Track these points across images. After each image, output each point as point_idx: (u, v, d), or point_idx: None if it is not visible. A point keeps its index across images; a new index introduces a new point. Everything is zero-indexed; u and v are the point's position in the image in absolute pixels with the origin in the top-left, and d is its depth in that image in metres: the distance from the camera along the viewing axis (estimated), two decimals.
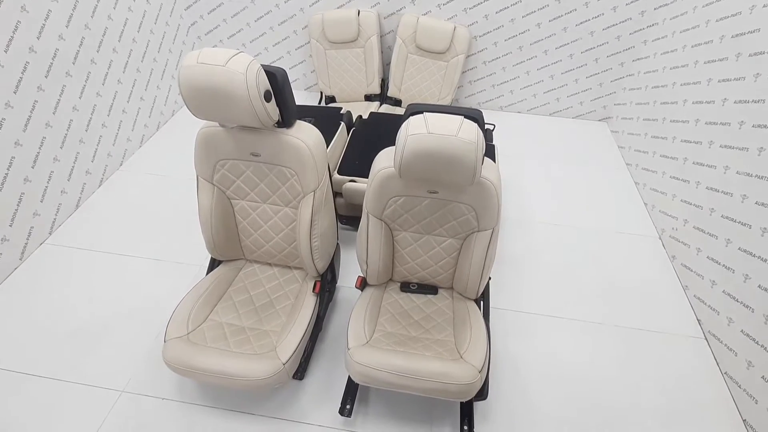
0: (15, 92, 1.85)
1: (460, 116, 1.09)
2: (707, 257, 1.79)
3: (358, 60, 2.79)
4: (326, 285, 1.65)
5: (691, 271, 1.89)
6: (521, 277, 1.99)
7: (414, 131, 1.07)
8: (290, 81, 3.19)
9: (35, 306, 1.79)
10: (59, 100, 2.08)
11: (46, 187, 2.07)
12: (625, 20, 2.52)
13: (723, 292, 1.67)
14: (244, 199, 1.51)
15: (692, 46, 2.09)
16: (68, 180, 2.20)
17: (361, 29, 2.69)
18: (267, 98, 1.14)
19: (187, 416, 1.48)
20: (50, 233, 2.13)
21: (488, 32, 2.71)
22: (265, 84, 1.13)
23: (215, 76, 1.06)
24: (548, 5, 2.53)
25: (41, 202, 2.05)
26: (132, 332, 1.71)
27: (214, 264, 1.66)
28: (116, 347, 1.66)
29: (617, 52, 2.67)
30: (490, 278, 1.62)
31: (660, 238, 2.19)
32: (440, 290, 1.61)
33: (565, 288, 1.95)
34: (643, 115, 2.51)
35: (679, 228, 2.03)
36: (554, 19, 2.58)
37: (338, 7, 2.77)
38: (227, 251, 1.60)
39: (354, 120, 2.35)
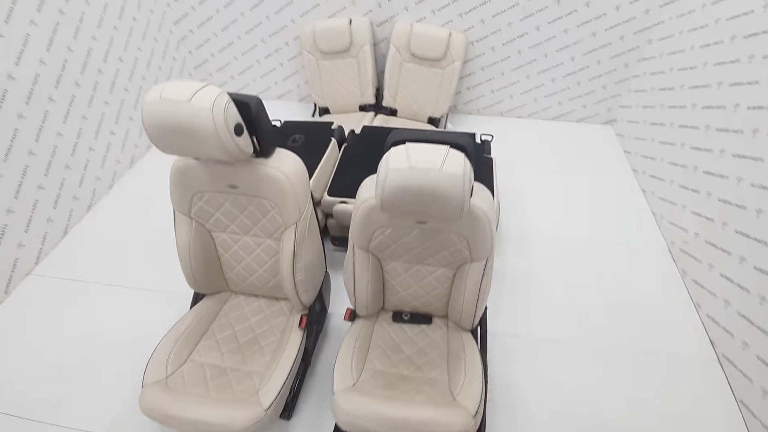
0: None
1: (446, 146, 1.00)
2: (720, 275, 1.68)
3: (351, 70, 2.71)
4: (314, 317, 1.57)
5: (704, 288, 1.78)
6: (521, 297, 1.89)
7: (395, 165, 0.98)
8: (283, 93, 3.18)
9: (19, 341, 1.75)
10: (41, 126, 2.03)
11: (31, 216, 2.03)
12: (629, 19, 2.39)
13: (738, 313, 1.55)
14: (224, 232, 1.44)
15: (701, 47, 1.96)
16: (54, 207, 2.15)
17: (353, 38, 2.61)
18: (237, 132, 1.06)
19: None
20: (36, 263, 2.08)
21: (485, 37, 2.60)
22: (235, 118, 1.05)
23: (180, 113, 0.99)
24: (547, 7, 2.41)
25: (26, 232, 2.01)
26: (117, 369, 1.65)
27: (197, 297, 1.59)
28: (100, 386, 1.60)
29: (621, 53, 2.54)
30: (486, 307, 1.52)
31: (670, 252, 2.07)
32: (435, 319, 1.52)
33: (568, 308, 1.85)
34: (649, 118, 2.38)
35: (689, 241, 1.91)
36: (554, 21, 2.46)
37: (329, 17, 2.68)
38: (210, 285, 1.53)
39: (347, 135, 2.27)
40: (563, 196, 2.38)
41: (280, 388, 1.28)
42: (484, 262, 1.25)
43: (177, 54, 3.00)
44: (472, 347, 1.38)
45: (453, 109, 3.02)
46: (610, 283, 1.94)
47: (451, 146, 1.02)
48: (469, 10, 2.49)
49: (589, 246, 2.11)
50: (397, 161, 0.97)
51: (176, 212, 1.37)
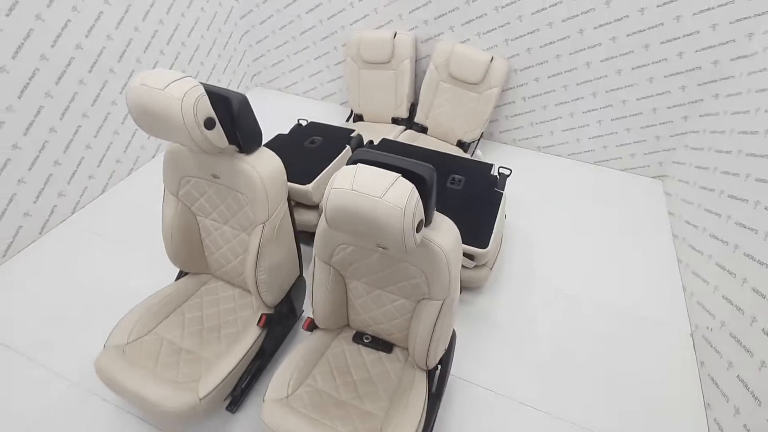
0: (57, 83, 2.03)
1: (397, 174, 0.95)
2: (737, 376, 1.42)
3: (389, 82, 2.71)
4: (279, 318, 1.58)
5: (718, 387, 1.52)
6: (509, 349, 1.75)
7: (338, 185, 0.95)
8: (327, 94, 3.27)
9: (35, 279, 1.94)
10: (98, 93, 2.26)
11: (75, 171, 2.26)
12: (694, 69, 2.15)
13: (744, 426, 1.31)
14: (207, 218, 1.49)
15: (766, 111, 1.70)
16: (98, 166, 2.38)
17: (395, 51, 2.61)
18: (208, 126, 1.09)
19: (120, 423, 1.48)
20: (72, 213, 2.31)
21: (530, 67, 2.47)
22: (207, 112, 1.08)
23: (154, 100, 1.04)
24: (601, 44, 2.24)
25: (68, 184, 2.24)
26: (108, 325, 1.75)
27: (182, 274, 1.67)
28: (89, 338, 1.71)
29: (681, 104, 2.29)
30: (452, 349, 1.43)
31: (692, 336, 1.80)
32: (396, 350, 1.46)
33: (559, 374, 1.67)
34: (700, 181, 2.11)
35: (714, 329, 1.65)
36: (607, 59, 2.28)
37: (377, 28, 2.72)
38: (191, 264, 1.60)
39: (364, 144, 2.26)
40: (589, 249, 2.18)
41: (220, 381, 1.29)
42: (441, 302, 1.17)
43: (238, 46, 3.21)
44: (421, 388, 1.30)
45: (486, 135, 2.90)
46: (615, 355, 1.73)
47: (408, 176, 0.97)
48: (516, 37, 2.38)
49: (602, 308, 1.90)
50: (342, 181, 0.95)
51: (166, 191, 1.44)
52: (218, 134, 1.14)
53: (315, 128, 2.29)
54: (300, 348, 1.39)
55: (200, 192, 1.42)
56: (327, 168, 1.96)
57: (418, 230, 0.98)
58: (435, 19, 2.52)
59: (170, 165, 1.38)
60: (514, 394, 1.60)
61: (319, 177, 1.91)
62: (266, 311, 1.51)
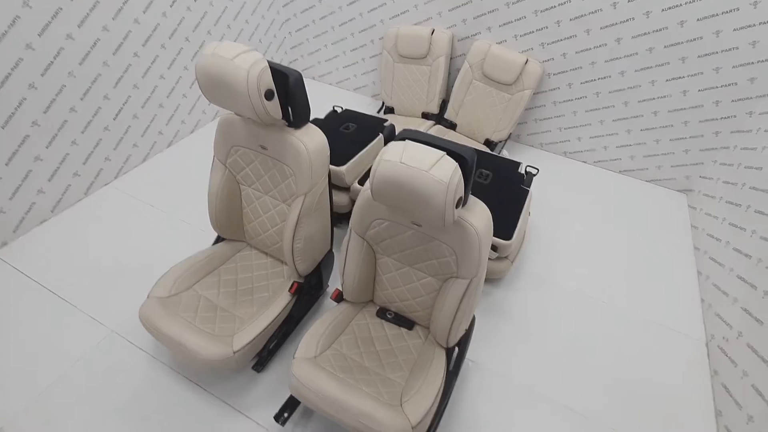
0: (114, 54, 2.16)
1: (442, 152, 1.02)
2: (752, 385, 1.45)
3: (422, 77, 2.78)
4: (308, 289, 1.66)
5: (731, 396, 1.55)
6: (524, 340, 1.80)
7: (388, 157, 1.03)
8: (360, 86, 3.35)
9: (82, 236, 2.08)
10: (149, 67, 2.39)
11: (122, 138, 2.39)
12: (729, 84, 2.16)
13: None
14: (250, 187, 1.59)
15: None
16: (142, 136, 2.51)
17: (431, 48, 2.68)
18: (268, 97, 1.18)
19: (153, 372, 1.59)
20: (115, 177, 2.44)
21: (564, 72, 2.51)
22: (268, 84, 1.17)
23: (222, 68, 1.14)
24: (637, 54, 2.27)
25: (114, 149, 2.37)
26: (142, 282, 1.86)
27: (219, 240, 1.77)
28: (125, 292, 1.83)
29: (713, 119, 2.30)
30: (471, 332, 1.49)
31: (706, 345, 1.83)
32: (417, 327, 1.53)
33: (572, 369, 1.72)
34: (727, 196, 2.13)
35: (730, 339, 1.67)
36: (642, 69, 2.31)
37: (415, 24, 2.79)
38: (230, 230, 1.70)
39: (396, 135, 2.34)
40: (608, 254, 2.21)
41: (252, 339, 1.39)
42: (468, 281, 1.24)
43: (278, 33, 3.31)
44: (439, 365, 1.37)
45: (513, 137, 2.95)
46: (630, 358, 1.76)
47: (451, 154, 1.04)
48: (553, 42, 2.43)
49: (619, 313, 1.94)
50: (392, 154, 1.02)
51: (215, 158, 1.54)
52: (275, 106, 1.23)
53: (350, 115, 2.37)
54: (328, 315, 1.48)
55: (247, 162, 1.52)
56: (360, 153, 2.04)
57: (457, 206, 1.05)
58: (474, 18, 2.58)
59: (222, 133, 1.48)
60: (524, 383, 1.65)
61: (353, 160, 1.99)
62: (298, 279, 1.59)
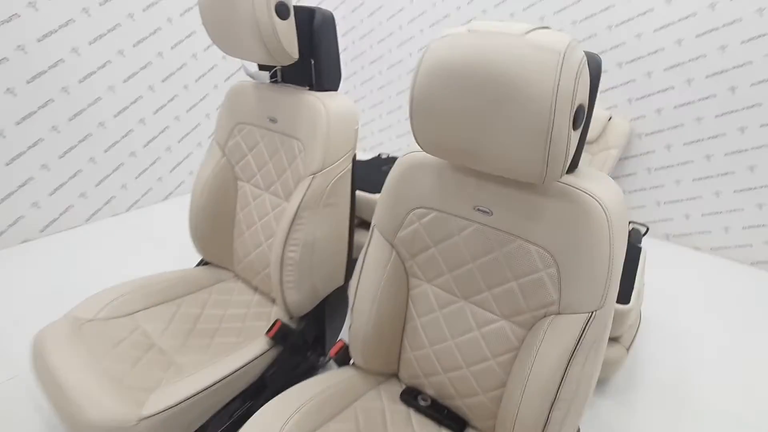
0: (163, 81, 2.12)
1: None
2: None
3: None
4: (301, 345, 1.08)
5: None
6: None
7: (446, 32, 0.58)
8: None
9: (59, 266, 1.72)
10: (196, 104, 2.32)
11: (147, 168, 2.21)
12: None
13: None
14: (248, 182, 1.19)
15: None
16: (170, 172, 2.33)
17: None
18: (280, 13, 0.85)
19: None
20: (127, 210, 2.19)
21: (659, 131, 2.07)
22: None
23: None
24: (761, 104, 1.80)
25: (136, 178, 2.17)
26: None
27: (201, 264, 1.31)
28: None
29: None
30: None
31: None
32: (470, 430, 0.84)
33: None
34: None
35: None
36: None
37: None
38: (213, 246, 1.25)
39: None
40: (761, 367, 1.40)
41: (179, 401, 0.81)
42: (586, 317, 0.63)
43: (342, 40, 3.10)
44: None
45: None
46: None
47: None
48: (643, 96, 2.05)
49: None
50: (451, 30, 0.58)
51: (213, 143, 1.20)
52: (290, 31, 0.90)
53: (394, 161, 2.04)
54: (319, 380, 0.87)
55: (250, 145, 1.15)
56: None
57: (575, 126, 0.53)
58: None
59: (230, 106, 1.16)
60: None
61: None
62: (285, 321, 1.03)
